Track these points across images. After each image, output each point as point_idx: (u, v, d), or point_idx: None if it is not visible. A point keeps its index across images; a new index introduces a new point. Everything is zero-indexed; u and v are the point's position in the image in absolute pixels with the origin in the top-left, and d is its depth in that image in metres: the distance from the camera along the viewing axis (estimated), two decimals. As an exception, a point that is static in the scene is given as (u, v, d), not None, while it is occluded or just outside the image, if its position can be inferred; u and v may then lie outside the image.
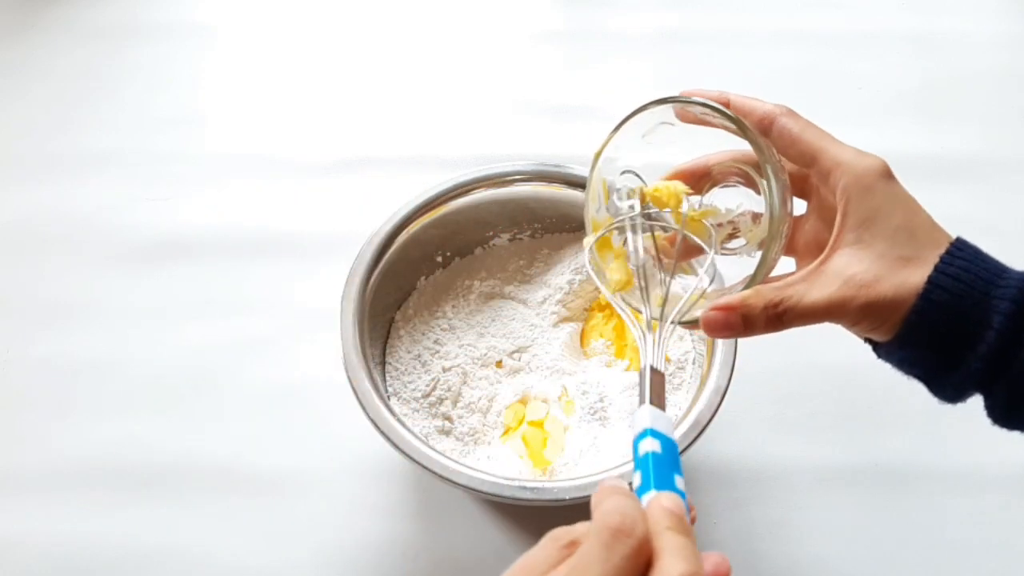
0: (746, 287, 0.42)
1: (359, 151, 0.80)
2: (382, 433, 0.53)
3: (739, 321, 0.41)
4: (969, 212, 0.76)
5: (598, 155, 0.47)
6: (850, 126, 0.82)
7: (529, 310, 0.66)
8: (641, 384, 0.40)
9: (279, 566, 0.60)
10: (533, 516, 0.61)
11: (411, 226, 0.63)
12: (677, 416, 0.58)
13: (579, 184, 0.64)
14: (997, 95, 0.84)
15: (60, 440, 0.65)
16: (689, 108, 0.43)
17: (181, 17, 0.90)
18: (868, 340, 0.42)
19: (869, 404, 0.66)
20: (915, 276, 0.39)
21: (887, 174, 0.41)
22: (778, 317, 0.40)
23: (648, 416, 0.37)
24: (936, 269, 0.39)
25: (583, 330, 0.67)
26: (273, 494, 0.62)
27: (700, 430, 0.53)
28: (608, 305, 0.66)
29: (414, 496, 0.62)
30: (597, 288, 0.67)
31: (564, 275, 0.66)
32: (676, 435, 0.53)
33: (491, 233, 0.68)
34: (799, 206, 0.46)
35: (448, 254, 0.67)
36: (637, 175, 0.48)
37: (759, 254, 0.42)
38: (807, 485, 0.63)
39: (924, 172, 0.79)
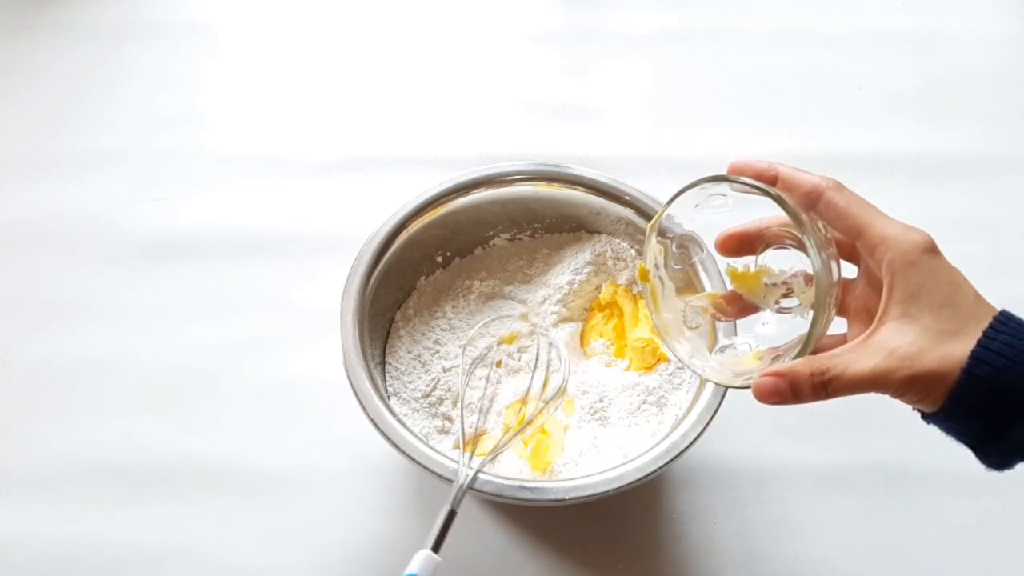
0: (797, 355, 0.43)
1: (359, 151, 0.80)
2: (382, 433, 0.53)
3: (787, 388, 0.42)
4: (969, 212, 0.76)
5: (653, 226, 0.50)
6: (850, 126, 0.83)
7: (529, 310, 0.66)
8: (435, 526, 0.49)
9: (279, 566, 0.60)
10: (533, 516, 0.61)
11: (411, 226, 0.63)
12: (677, 416, 0.59)
13: (579, 184, 0.64)
14: (997, 95, 0.84)
15: (60, 440, 0.65)
16: (736, 184, 0.46)
17: (180, 17, 0.90)
18: (915, 408, 0.43)
19: (869, 404, 0.65)
20: (958, 350, 0.40)
21: (931, 249, 0.42)
22: (823, 385, 0.41)
23: (419, 562, 0.47)
24: (979, 344, 0.39)
25: (583, 330, 0.67)
26: (273, 494, 0.62)
27: (700, 430, 0.53)
28: (608, 304, 0.66)
29: (414, 496, 0.62)
30: (598, 288, 0.67)
31: (564, 275, 0.66)
32: (676, 435, 0.53)
33: (491, 233, 0.68)
34: (851, 269, 0.47)
35: (448, 254, 0.67)
36: (694, 237, 0.52)
37: (811, 315, 0.44)
38: (807, 485, 0.63)
39: (924, 172, 0.79)
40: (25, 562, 0.60)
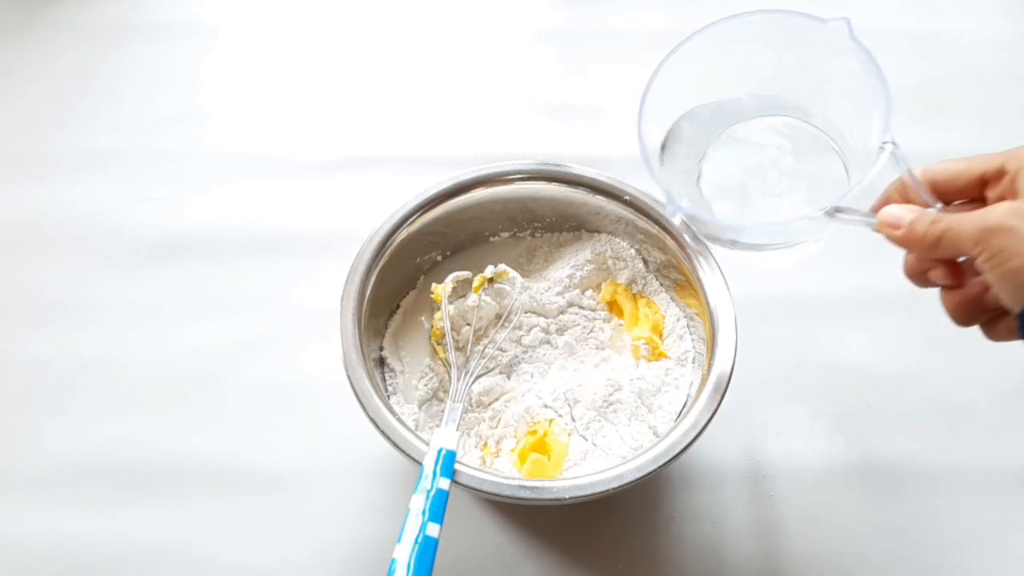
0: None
1: (359, 151, 0.80)
2: (382, 433, 0.53)
3: (909, 221, 0.43)
4: (969, 212, 0.76)
5: None
6: (850, 126, 0.83)
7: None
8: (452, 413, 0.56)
9: (279, 566, 0.60)
10: (533, 516, 0.61)
11: (411, 225, 0.63)
12: (677, 416, 0.59)
13: (579, 183, 0.64)
14: (997, 94, 0.84)
15: (59, 440, 0.65)
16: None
17: (181, 16, 0.90)
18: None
19: (869, 404, 0.66)
20: None
21: None
22: (936, 237, 0.41)
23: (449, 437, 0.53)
24: None
25: (583, 330, 0.67)
26: (273, 494, 0.62)
27: (700, 430, 0.53)
28: (608, 304, 0.66)
29: (414, 496, 0.62)
30: (598, 287, 0.67)
31: (564, 273, 0.66)
32: (676, 435, 0.53)
33: (491, 232, 0.68)
34: None
35: (448, 253, 0.67)
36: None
37: None
38: (807, 485, 0.63)
39: (924, 172, 0.79)
40: (25, 562, 0.60)
